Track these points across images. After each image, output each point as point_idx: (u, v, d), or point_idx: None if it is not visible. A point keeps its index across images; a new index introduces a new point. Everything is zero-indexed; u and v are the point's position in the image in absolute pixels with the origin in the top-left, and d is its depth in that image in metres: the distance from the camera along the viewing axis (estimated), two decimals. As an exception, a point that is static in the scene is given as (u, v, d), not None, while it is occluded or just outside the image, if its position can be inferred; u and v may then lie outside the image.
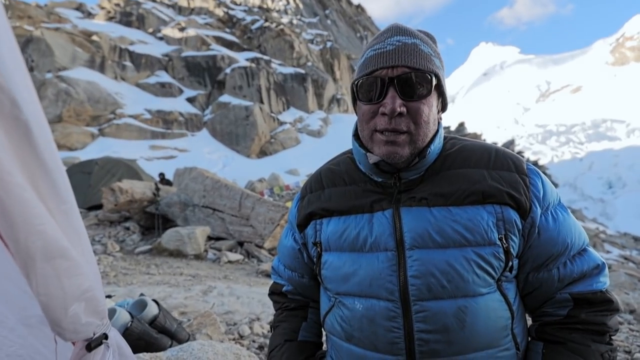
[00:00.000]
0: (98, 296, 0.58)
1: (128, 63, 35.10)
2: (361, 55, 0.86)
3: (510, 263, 0.77)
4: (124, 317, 1.75)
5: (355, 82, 0.83)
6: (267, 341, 3.08)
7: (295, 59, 43.62)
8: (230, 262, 6.79)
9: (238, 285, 5.04)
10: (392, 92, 0.76)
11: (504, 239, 0.76)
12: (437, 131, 0.85)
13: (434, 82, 0.79)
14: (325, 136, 38.38)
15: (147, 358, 1.50)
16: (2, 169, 0.34)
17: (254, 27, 45.92)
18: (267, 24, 45.43)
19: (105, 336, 0.63)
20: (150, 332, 1.87)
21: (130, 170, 11.65)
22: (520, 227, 0.77)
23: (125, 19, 43.23)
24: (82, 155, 21.04)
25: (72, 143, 26.38)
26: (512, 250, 0.77)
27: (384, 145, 0.79)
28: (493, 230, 0.76)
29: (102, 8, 45.57)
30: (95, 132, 28.28)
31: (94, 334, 0.61)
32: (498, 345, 0.76)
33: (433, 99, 0.81)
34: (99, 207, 9.44)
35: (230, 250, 7.42)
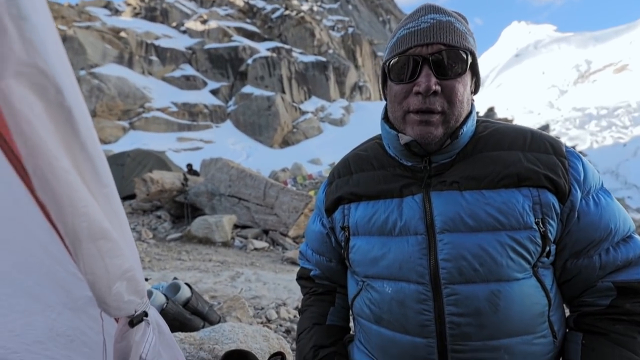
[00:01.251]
0: (138, 276, 0.61)
1: (154, 57, 36.10)
2: (392, 36, 0.84)
3: (548, 248, 0.74)
4: (159, 298, 1.85)
5: (387, 62, 0.81)
6: (294, 326, 3.16)
7: (317, 47, 43.16)
8: (256, 249, 6.96)
9: (264, 271, 5.17)
10: (427, 70, 0.74)
11: (540, 223, 0.73)
12: (470, 112, 0.82)
13: (469, 60, 0.76)
14: (348, 125, 38.03)
15: (182, 337, 1.58)
16: (50, 154, 0.36)
17: (274, 16, 45.71)
18: (287, 12, 45.06)
19: (146, 314, 0.67)
20: (184, 314, 1.97)
21: (159, 161, 12.10)
22: (559, 211, 0.74)
23: (150, 14, 44.28)
24: (115, 148, 22.06)
25: (106, 137, 27.68)
26: (549, 235, 0.74)
27: (417, 126, 0.77)
28: (529, 214, 0.73)
29: (128, 4, 46.84)
30: (126, 126, 29.50)
31: (135, 311, 0.64)
32: (534, 332, 0.74)
33: (467, 78, 0.78)
34: (132, 197, 9.90)
35: (256, 238, 7.59)
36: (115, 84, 29.41)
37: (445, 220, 0.76)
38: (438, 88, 0.74)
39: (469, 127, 0.81)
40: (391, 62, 0.80)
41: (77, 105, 0.38)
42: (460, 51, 0.74)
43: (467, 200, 0.76)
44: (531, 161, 0.76)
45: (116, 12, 44.41)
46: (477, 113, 0.90)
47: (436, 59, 0.74)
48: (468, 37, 0.77)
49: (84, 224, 0.42)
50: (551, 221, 0.74)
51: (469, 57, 0.76)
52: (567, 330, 0.82)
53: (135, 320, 0.64)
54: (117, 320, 0.70)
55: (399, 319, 0.79)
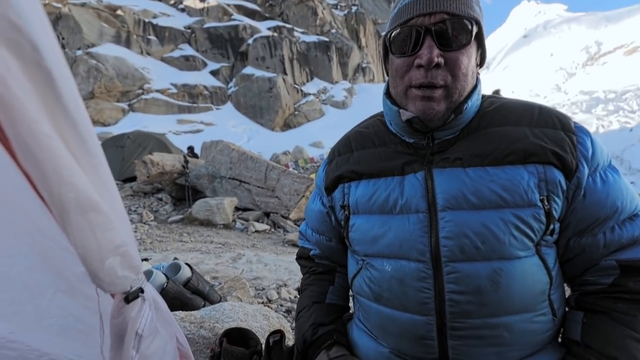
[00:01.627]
0: (131, 252, 0.59)
1: (152, 37, 35.38)
2: (394, 6, 0.80)
3: (552, 226, 0.72)
4: (160, 278, 1.86)
5: (388, 34, 0.78)
6: (294, 306, 3.21)
7: (319, 27, 42.19)
8: (257, 231, 7.01)
9: (265, 253, 5.22)
10: (429, 41, 0.71)
11: (545, 201, 0.71)
12: (476, 86, 0.79)
13: (475, 30, 0.72)
14: (350, 107, 37.65)
15: (182, 315, 1.60)
16: (29, 117, 0.33)
17: (275, -6, 44.46)
18: (288, -10, 43.79)
19: (142, 290, 0.66)
20: (184, 293, 1.99)
21: (160, 143, 12.05)
22: (565, 188, 0.72)
23: (148, -9, 43.02)
24: (115, 130, 21.94)
25: (105, 119, 27.48)
26: (554, 212, 0.72)
27: (419, 101, 0.75)
28: (534, 191, 0.71)
29: (125, -19, 45.48)
30: (125, 108, 29.24)
31: (131, 288, 0.64)
32: (534, 310, 0.73)
33: (472, 50, 0.75)
34: (133, 179, 9.91)
35: (257, 220, 7.64)
36: (113, 64, 28.95)
37: (447, 197, 0.74)
38: (441, 60, 0.71)
39: (474, 101, 0.78)
40: (392, 34, 0.76)
41: (57, 66, 0.36)
42: (465, 20, 0.71)
43: (471, 178, 0.74)
44: (538, 137, 0.73)
45: (113, -11, 43.18)
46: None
47: (439, 29, 0.71)
48: (473, 4, 0.73)
49: (71, 194, 0.40)
50: (556, 198, 0.72)
51: (474, 26, 0.72)
52: (568, 309, 0.81)
53: (130, 297, 0.63)
54: (113, 296, 0.69)
55: (398, 296, 0.79)
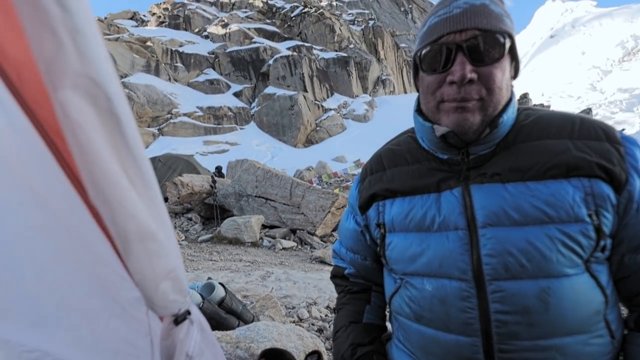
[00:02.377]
0: (181, 276, 0.62)
1: (179, 64, 37.35)
2: (423, 24, 0.81)
3: (603, 242, 0.69)
4: (196, 298, 1.91)
5: (418, 52, 0.78)
6: (326, 325, 3.17)
7: (337, 43, 42.99)
8: (284, 249, 7.05)
9: (294, 271, 5.22)
10: (461, 57, 0.71)
11: (594, 216, 0.68)
12: (510, 99, 0.78)
13: (508, 43, 0.72)
14: (372, 120, 37.64)
15: (218, 335, 1.63)
16: (102, 160, 0.37)
17: (293, 14, 45.96)
18: (306, 9, 45.17)
19: (189, 312, 0.68)
20: (219, 313, 2.02)
21: (188, 165, 12.52)
22: (615, 202, 0.68)
23: (174, 22, 45.80)
24: (146, 154, 22.95)
25: (138, 143, 28.90)
26: (604, 228, 0.68)
27: (452, 113, 0.74)
28: (580, 206, 0.68)
29: (153, 14, 48.68)
30: (155, 132, 30.74)
31: (179, 310, 0.66)
32: (589, 331, 0.69)
33: (506, 63, 0.74)
34: (165, 200, 10.30)
35: (284, 237, 7.68)
36: (144, 92, 30.69)
37: (487, 214, 0.73)
38: (474, 76, 0.70)
39: (509, 115, 0.77)
40: (422, 52, 0.76)
41: (124, 111, 0.40)
42: (497, 35, 0.70)
43: (511, 193, 0.72)
44: (581, 149, 0.70)
45: (142, 22, 46.29)
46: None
47: (471, 45, 0.70)
48: (505, 18, 0.73)
49: (133, 225, 0.44)
50: (606, 213, 0.68)
51: (507, 40, 0.71)
52: (627, 331, 0.76)
53: (179, 319, 0.66)
54: (161, 319, 0.72)
55: (440, 317, 0.77)
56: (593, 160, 0.68)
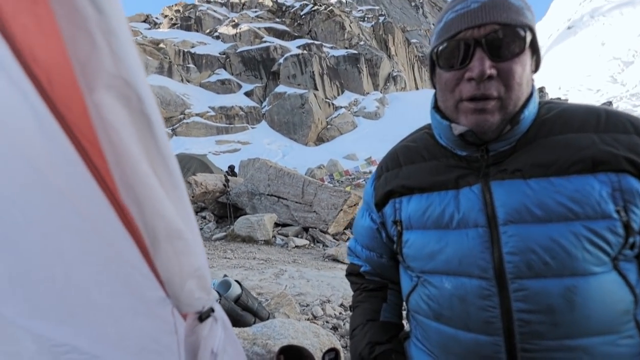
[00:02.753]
0: (205, 274, 0.63)
1: (191, 65, 37.84)
2: (439, 20, 0.80)
3: (632, 239, 0.66)
4: (213, 295, 1.94)
5: (435, 49, 0.77)
6: (340, 322, 3.18)
7: (347, 40, 42.77)
8: (297, 247, 7.08)
9: (307, 269, 5.25)
10: (480, 53, 0.69)
11: (622, 212, 0.66)
12: (532, 94, 0.76)
13: (529, 37, 0.70)
14: (383, 117, 37.37)
15: (236, 332, 1.65)
16: (134, 160, 0.38)
17: (302, 12, 45.93)
18: (315, 7, 45.07)
19: (212, 309, 0.70)
20: (236, 310, 2.05)
21: (202, 164, 12.70)
22: None
23: (185, 23, 46.38)
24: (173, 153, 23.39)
25: (152, 143, 29.49)
26: (633, 224, 0.66)
27: (471, 114, 0.73)
28: (607, 202, 0.66)
29: (165, 16, 49.40)
30: (169, 132, 31.25)
31: (204, 307, 0.67)
32: (618, 331, 0.67)
33: (527, 57, 0.72)
34: (179, 199, 10.48)
35: (297, 235, 7.72)
36: (157, 93, 31.23)
37: (509, 211, 0.71)
38: (493, 72, 0.69)
39: (531, 110, 0.75)
40: (439, 49, 0.75)
41: (154, 111, 0.41)
42: (518, 28, 0.68)
43: (533, 189, 0.70)
44: (608, 143, 0.68)
45: (155, 24, 47.04)
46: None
47: (490, 40, 0.68)
48: (525, 11, 0.71)
49: (162, 224, 0.45)
50: (635, 209, 0.66)
51: (528, 34, 0.69)
52: None
53: (203, 316, 0.67)
54: (184, 317, 0.74)
55: (460, 315, 0.76)
56: (620, 154, 0.67)
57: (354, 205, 7.93)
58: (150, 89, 0.40)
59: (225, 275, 2.42)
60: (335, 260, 6.22)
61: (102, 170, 0.51)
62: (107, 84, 0.35)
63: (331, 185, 9.85)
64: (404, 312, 1.01)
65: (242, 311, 2.13)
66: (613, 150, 0.67)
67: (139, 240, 0.57)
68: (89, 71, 0.35)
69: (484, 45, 0.69)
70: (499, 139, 0.75)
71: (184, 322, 0.73)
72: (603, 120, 0.71)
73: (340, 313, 3.48)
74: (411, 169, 0.89)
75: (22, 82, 0.37)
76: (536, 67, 0.78)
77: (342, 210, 7.68)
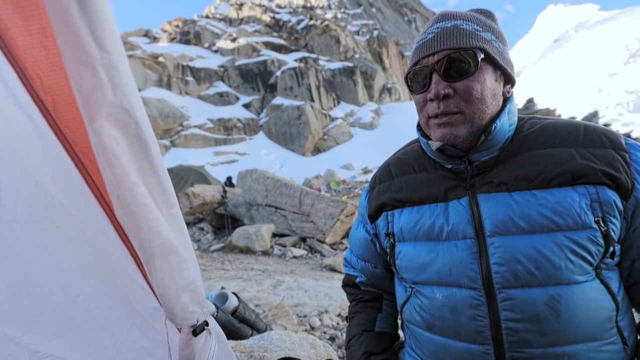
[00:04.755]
0: (199, 288, 0.65)
1: (190, 78, 38.19)
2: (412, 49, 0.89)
3: (612, 249, 0.69)
4: (209, 307, 1.94)
5: (406, 76, 0.86)
6: (338, 333, 3.16)
7: (343, 53, 43.41)
8: (295, 257, 7.04)
9: (304, 279, 5.22)
10: (436, 77, 0.77)
11: (601, 222, 0.69)
12: (504, 106, 0.80)
13: (480, 56, 0.75)
14: (378, 128, 37.68)
15: (232, 345, 1.65)
16: (131, 181, 0.41)
17: (299, 27, 46.69)
18: (312, 22, 45.85)
19: (207, 323, 0.71)
20: (233, 322, 2.04)
21: (200, 175, 12.71)
22: (622, 208, 0.69)
23: (185, 37, 46.98)
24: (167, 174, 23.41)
25: (150, 155, 29.50)
26: (612, 234, 0.69)
27: (438, 129, 0.79)
28: (587, 213, 0.69)
29: (165, 31, 50.04)
30: (168, 144, 31.32)
31: (198, 321, 0.69)
32: (601, 338, 0.69)
33: (485, 74, 0.77)
34: (176, 211, 10.44)
35: (294, 246, 7.68)
36: (156, 105, 31.40)
37: (495, 223, 0.74)
38: (449, 91, 0.76)
39: (504, 121, 0.79)
40: (408, 75, 0.84)
41: (150, 135, 0.43)
42: (468, 50, 0.75)
43: (517, 202, 0.74)
44: (586, 157, 0.72)
45: (154, 39, 47.60)
46: (515, 105, 0.87)
47: (441, 64, 0.76)
48: (480, 33, 0.77)
49: (158, 241, 0.47)
50: (613, 219, 0.69)
51: (479, 53, 0.75)
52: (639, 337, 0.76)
53: (198, 330, 0.69)
54: (179, 330, 0.75)
55: (451, 325, 0.78)
56: (598, 168, 0.70)
57: (351, 214, 7.93)
58: (145, 113, 0.43)
59: (222, 288, 2.42)
60: (333, 270, 6.19)
61: (101, 187, 0.54)
62: (108, 112, 0.38)
63: (328, 195, 9.87)
64: (400, 323, 1.02)
65: (240, 323, 2.12)
66: (591, 164, 0.71)
67: (134, 253, 0.59)
68: (92, 102, 0.38)
69: (438, 70, 0.77)
70: (477, 150, 0.79)
71: (178, 333, 0.75)
72: (581, 136, 0.75)
73: (337, 323, 3.45)
74: (402, 180, 0.92)
75: (30, 107, 0.40)
76: (507, 80, 0.82)
77: (339, 219, 7.68)
